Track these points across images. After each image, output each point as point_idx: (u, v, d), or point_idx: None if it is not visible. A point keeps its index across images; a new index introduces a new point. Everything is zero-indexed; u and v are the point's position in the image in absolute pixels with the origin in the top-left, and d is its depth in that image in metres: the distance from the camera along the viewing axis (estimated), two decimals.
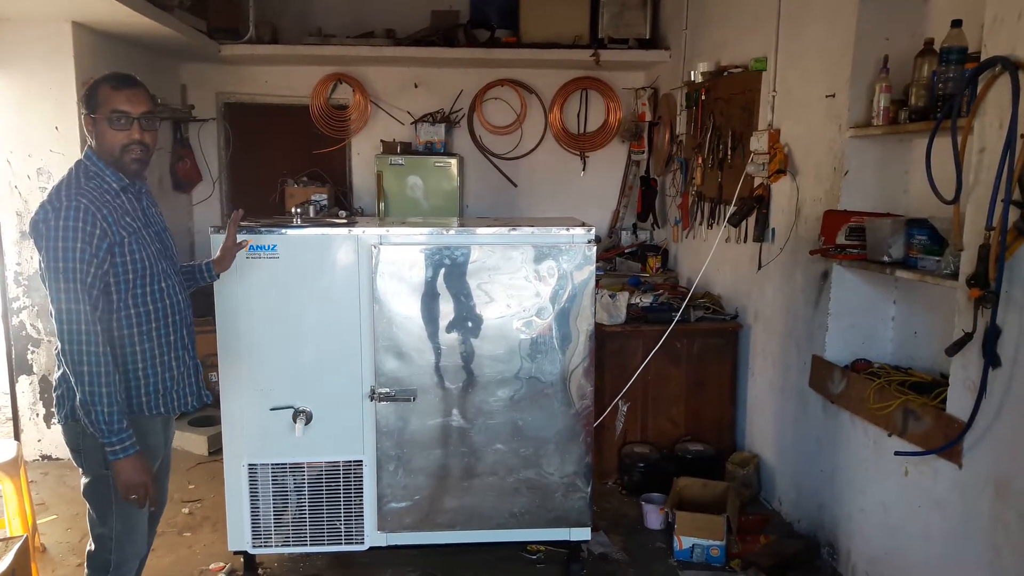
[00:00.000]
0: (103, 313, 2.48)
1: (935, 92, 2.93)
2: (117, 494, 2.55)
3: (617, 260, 6.37)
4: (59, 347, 2.43)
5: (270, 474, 3.43)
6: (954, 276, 2.77)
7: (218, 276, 3.12)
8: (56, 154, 4.79)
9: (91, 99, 2.50)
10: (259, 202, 6.59)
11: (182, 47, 5.76)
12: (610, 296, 4.66)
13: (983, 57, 2.62)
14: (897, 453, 3.04)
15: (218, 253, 3.12)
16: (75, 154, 4.76)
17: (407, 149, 6.60)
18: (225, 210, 6.95)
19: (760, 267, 4.39)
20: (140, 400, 2.60)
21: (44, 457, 5.02)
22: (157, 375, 2.63)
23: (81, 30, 4.79)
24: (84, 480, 2.63)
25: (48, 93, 4.74)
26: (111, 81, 2.50)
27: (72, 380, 2.41)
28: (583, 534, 3.60)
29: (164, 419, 2.76)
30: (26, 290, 4.90)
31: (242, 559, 3.57)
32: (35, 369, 4.96)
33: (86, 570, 2.70)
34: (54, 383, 2.62)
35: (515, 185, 7.10)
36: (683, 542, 3.72)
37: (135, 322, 2.56)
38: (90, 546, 2.67)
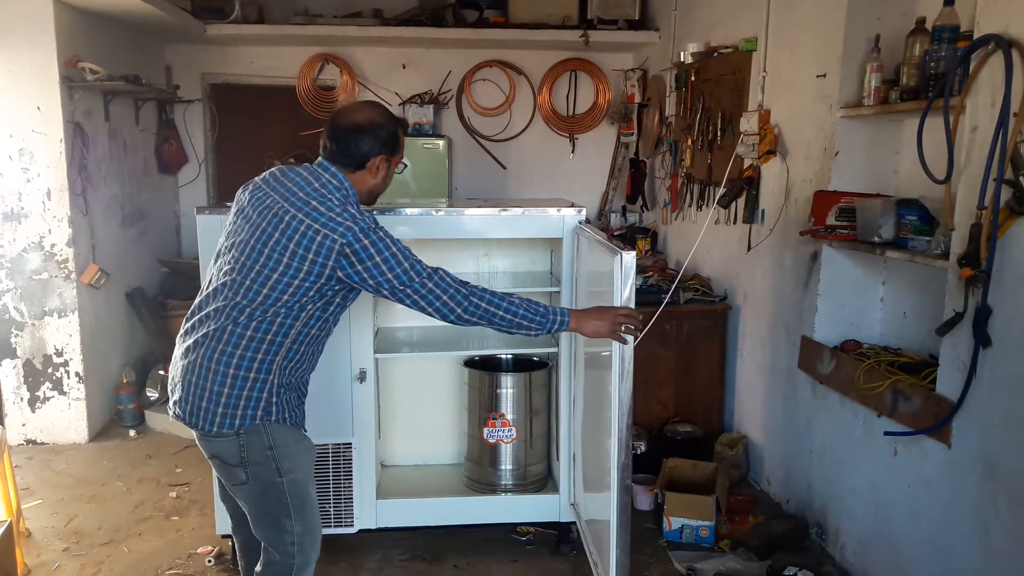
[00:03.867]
0: (318, 317, 2.48)
1: (927, 71, 2.91)
2: (295, 500, 2.49)
3: None
4: (449, 310, 2.44)
5: None
6: (945, 256, 2.77)
7: None
8: (38, 134, 4.72)
9: (396, 143, 2.58)
10: (246, 184, 6.51)
11: (166, 26, 5.68)
12: None
13: (976, 35, 2.60)
14: (887, 433, 3.05)
15: None
16: (57, 134, 4.71)
17: None
18: (211, 192, 6.89)
19: (749, 249, 4.37)
20: (290, 409, 2.51)
21: (29, 442, 4.97)
22: (300, 389, 2.59)
23: (63, 8, 4.71)
24: (253, 491, 2.49)
25: (30, 72, 4.65)
26: (404, 128, 2.63)
27: (480, 321, 2.47)
28: (573, 515, 3.60)
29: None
30: (9, 272, 4.83)
31: (230, 543, 3.55)
32: (19, 353, 4.91)
33: None
34: (209, 384, 2.41)
35: (504, 167, 7.07)
36: (672, 523, 3.73)
37: (312, 338, 2.53)
38: (267, 556, 2.56)
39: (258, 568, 2.61)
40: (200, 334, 2.44)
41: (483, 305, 2.46)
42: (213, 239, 3.23)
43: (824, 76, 3.60)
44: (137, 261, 5.88)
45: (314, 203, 2.41)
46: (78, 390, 4.98)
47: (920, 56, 2.98)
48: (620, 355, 2.53)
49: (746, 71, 4.43)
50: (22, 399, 4.95)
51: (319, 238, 2.36)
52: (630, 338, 2.55)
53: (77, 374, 4.97)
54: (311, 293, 2.40)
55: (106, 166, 5.35)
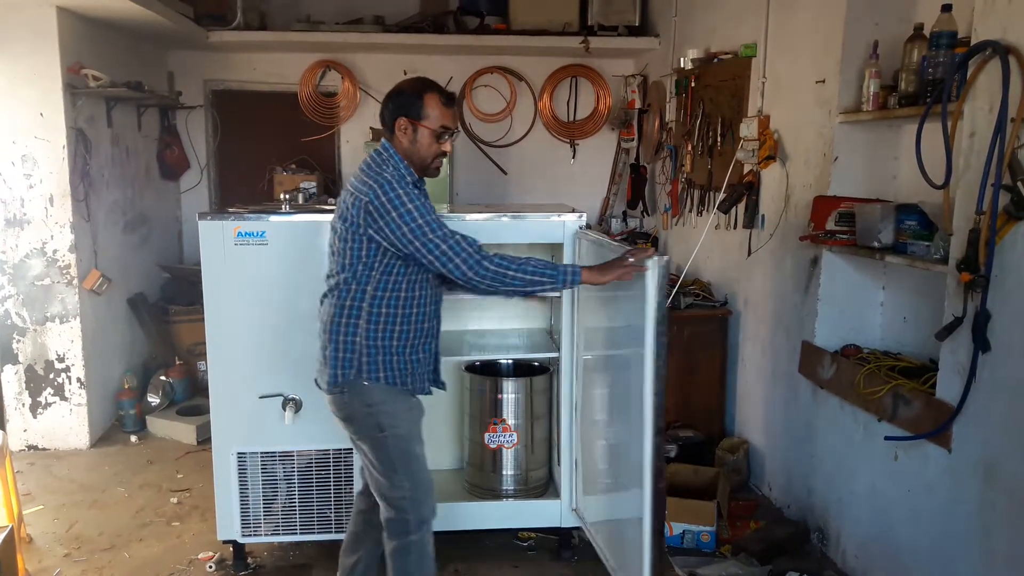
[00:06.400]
0: (386, 282, 2.67)
1: (925, 77, 2.92)
2: (399, 454, 2.73)
3: None
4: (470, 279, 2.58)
5: (259, 462, 3.41)
6: (944, 261, 2.78)
7: None
8: (41, 140, 4.73)
9: (416, 106, 2.66)
10: (248, 190, 6.54)
11: (169, 33, 5.70)
12: None
13: (973, 41, 2.61)
14: (887, 438, 3.06)
15: None
16: (60, 140, 4.73)
17: None
18: (213, 198, 6.90)
19: (750, 254, 4.38)
20: (392, 373, 2.73)
21: (30, 447, 4.98)
22: (405, 355, 2.75)
23: (66, 15, 4.73)
24: (363, 446, 2.77)
25: (33, 79, 4.67)
26: (442, 96, 2.69)
27: (501, 289, 2.62)
28: (575, 520, 3.60)
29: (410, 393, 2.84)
30: (11, 278, 4.85)
31: (231, 548, 3.55)
32: (20, 359, 4.92)
33: (388, 541, 2.81)
34: (322, 351, 2.76)
35: (505, 173, 7.08)
36: (674, 528, 3.73)
37: (401, 303, 2.71)
38: (386, 513, 2.80)
39: (383, 522, 2.83)
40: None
41: (494, 269, 2.58)
42: (215, 244, 3.26)
43: (823, 82, 3.61)
44: (139, 267, 5.89)
45: (360, 173, 2.68)
46: (80, 396, 4.99)
47: (918, 62, 2.99)
48: (653, 354, 2.52)
49: (746, 77, 4.45)
50: (24, 404, 4.96)
51: (355, 202, 2.61)
52: (648, 264, 2.53)
53: (79, 380, 4.98)
54: (365, 259, 2.64)
55: (108, 172, 5.37)
